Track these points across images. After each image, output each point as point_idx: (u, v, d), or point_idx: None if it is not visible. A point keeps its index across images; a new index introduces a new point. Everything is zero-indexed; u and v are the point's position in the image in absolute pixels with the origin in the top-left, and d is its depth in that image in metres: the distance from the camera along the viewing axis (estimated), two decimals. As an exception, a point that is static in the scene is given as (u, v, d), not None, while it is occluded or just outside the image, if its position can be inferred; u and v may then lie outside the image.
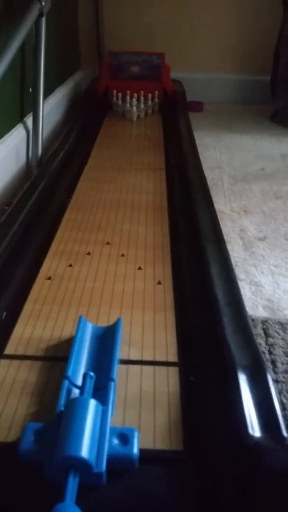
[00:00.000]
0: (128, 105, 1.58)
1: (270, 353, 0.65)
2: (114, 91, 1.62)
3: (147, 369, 0.54)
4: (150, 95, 1.62)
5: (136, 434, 0.44)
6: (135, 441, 0.43)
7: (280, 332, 0.69)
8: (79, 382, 0.50)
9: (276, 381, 0.60)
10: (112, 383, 0.49)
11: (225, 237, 0.82)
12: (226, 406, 0.46)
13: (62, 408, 0.45)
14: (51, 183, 1.00)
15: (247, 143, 1.57)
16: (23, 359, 0.54)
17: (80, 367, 0.52)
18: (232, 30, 1.95)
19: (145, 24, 1.93)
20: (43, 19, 1.18)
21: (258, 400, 0.46)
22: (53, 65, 1.48)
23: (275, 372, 0.61)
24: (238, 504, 0.40)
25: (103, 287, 0.69)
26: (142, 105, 1.59)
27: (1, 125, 1.09)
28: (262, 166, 1.37)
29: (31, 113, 1.23)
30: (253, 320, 0.71)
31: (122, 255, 0.77)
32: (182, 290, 0.69)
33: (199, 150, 1.25)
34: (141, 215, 0.92)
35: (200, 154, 1.21)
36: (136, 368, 0.54)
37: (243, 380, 0.48)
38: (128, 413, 0.48)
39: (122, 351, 0.56)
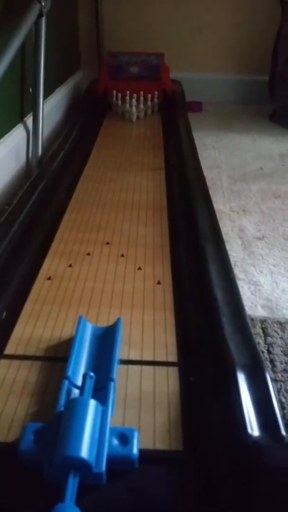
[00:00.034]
0: (127, 105, 1.58)
1: (269, 352, 0.65)
2: (114, 92, 1.62)
3: (147, 369, 0.54)
4: (149, 95, 1.63)
5: (136, 434, 0.44)
6: (135, 441, 0.44)
7: (279, 331, 0.69)
8: (79, 382, 0.50)
9: (275, 380, 0.60)
10: (112, 383, 0.49)
11: (224, 237, 0.82)
12: (225, 405, 0.47)
13: (62, 408, 0.45)
14: (51, 183, 1.00)
15: (246, 143, 1.58)
16: (23, 359, 0.55)
17: (80, 367, 0.52)
18: (230, 30, 1.95)
19: (144, 24, 1.93)
20: (43, 19, 1.18)
21: (257, 399, 0.46)
22: (53, 65, 1.48)
23: (274, 372, 0.62)
24: (237, 504, 0.40)
25: (103, 287, 0.69)
26: (141, 106, 1.59)
27: (1, 125, 1.09)
28: (261, 166, 1.38)
29: (31, 113, 1.23)
30: (252, 319, 0.72)
31: (122, 255, 0.77)
32: (181, 290, 0.69)
33: (198, 150, 1.25)
34: (141, 215, 0.92)
35: (199, 154, 1.22)
36: (136, 368, 0.54)
37: (242, 380, 0.48)
38: (128, 413, 0.48)
39: (122, 351, 0.56)
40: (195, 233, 0.80)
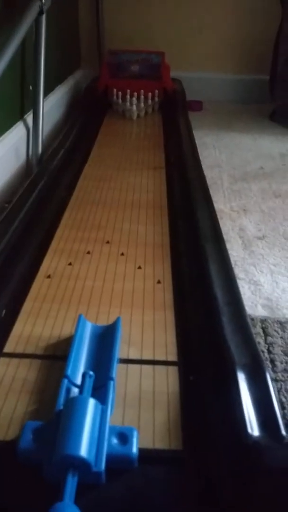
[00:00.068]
0: (128, 104, 1.58)
1: (269, 352, 0.65)
2: (114, 90, 1.62)
3: (147, 368, 0.54)
4: (150, 94, 1.62)
5: (135, 434, 0.44)
6: (134, 440, 0.43)
7: (279, 331, 0.69)
8: (78, 381, 0.50)
9: (275, 380, 0.60)
10: (112, 382, 0.49)
11: (225, 236, 0.82)
12: (225, 405, 0.46)
13: (61, 407, 0.45)
14: (51, 181, 1.00)
15: (246, 142, 1.57)
16: (22, 357, 0.54)
17: (79, 366, 0.52)
18: (231, 29, 1.95)
19: (145, 22, 1.93)
20: (43, 17, 1.18)
21: (257, 399, 0.46)
22: (53, 63, 1.47)
23: (274, 371, 0.61)
24: (237, 504, 0.40)
25: (103, 286, 0.69)
26: (142, 104, 1.59)
27: (1, 123, 1.08)
28: (261, 165, 1.37)
29: (31, 111, 1.23)
30: (252, 319, 0.71)
31: (122, 254, 0.77)
32: (181, 289, 0.69)
33: (198, 149, 1.25)
34: (141, 214, 0.92)
35: (199, 153, 1.21)
36: (135, 367, 0.54)
37: (242, 379, 0.48)
38: (128, 412, 0.48)
39: (121, 350, 0.56)
40: (195, 232, 0.80)
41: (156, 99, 1.64)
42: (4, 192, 1.05)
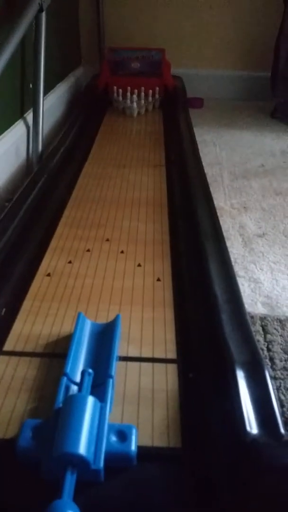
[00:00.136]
0: (128, 101, 1.57)
1: (269, 350, 0.65)
2: (115, 87, 1.61)
3: (146, 366, 0.54)
4: (150, 91, 1.62)
5: (134, 431, 0.44)
6: (133, 438, 0.44)
7: (279, 329, 0.69)
8: (77, 379, 0.50)
9: (274, 378, 0.60)
10: (111, 380, 0.49)
11: (225, 234, 0.82)
12: (224, 403, 0.46)
13: (60, 405, 0.45)
14: (51, 179, 0.99)
15: (247, 139, 1.57)
16: (21, 356, 0.55)
17: (78, 363, 0.52)
18: (232, 26, 1.94)
19: (146, 20, 1.92)
20: (43, 15, 1.18)
21: (256, 397, 0.46)
22: (53, 61, 1.47)
23: (273, 369, 0.61)
24: (236, 502, 0.40)
25: (103, 284, 0.69)
26: (142, 101, 1.59)
27: (1, 121, 1.08)
28: (262, 163, 1.37)
29: (31, 109, 1.23)
30: (252, 317, 0.71)
31: (122, 252, 0.77)
32: (181, 287, 0.69)
33: (199, 146, 1.25)
34: (141, 212, 0.92)
35: (200, 151, 1.21)
36: (134, 365, 0.54)
37: (241, 377, 0.48)
38: (127, 410, 0.48)
39: (121, 347, 0.56)
40: (195, 230, 0.80)
41: (157, 96, 1.64)
42: (5, 190, 1.05)
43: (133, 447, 0.43)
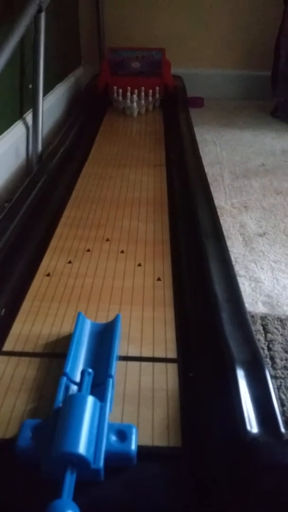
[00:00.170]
0: (128, 101, 1.57)
1: (269, 349, 0.65)
2: (115, 87, 1.61)
3: (146, 365, 0.54)
4: (150, 91, 1.62)
5: (134, 431, 0.44)
6: (133, 437, 0.43)
7: (279, 328, 0.69)
8: (77, 378, 0.50)
9: (275, 377, 0.60)
10: (111, 380, 0.49)
11: (225, 233, 0.81)
12: (224, 402, 0.46)
13: (60, 405, 0.45)
14: (51, 179, 0.99)
15: (247, 138, 1.57)
16: (21, 356, 0.54)
17: (78, 363, 0.52)
18: (232, 25, 1.94)
19: (146, 19, 1.92)
20: (43, 15, 1.17)
21: (256, 396, 0.46)
22: (53, 62, 1.47)
23: (274, 368, 0.61)
24: (236, 500, 0.40)
25: (103, 284, 0.68)
26: (142, 101, 1.59)
27: (0, 121, 1.08)
28: (263, 162, 1.37)
29: (31, 110, 1.23)
30: (252, 316, 0.71)
31: (122, 252, 0.77)
32: (181, 286, 0.69)
33: (199, 146, 1.25)
34: (141, 212, 0.91)
35: (200, 150, 1.21)
36: (135, 364, 0.54)
37: (241, 376, 0.48)
38: (127, 409, 0.48)
39: (121, 347, 0.56)
40: (196, 229, 0.79)
41: (157, 96, 1.64)
42: (4, 190, 1.05)
43: (133, 446, 0.43)
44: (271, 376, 0.49)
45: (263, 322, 0.70)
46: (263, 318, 0.71)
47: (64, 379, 0.49)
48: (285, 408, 0.56)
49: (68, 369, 0.50)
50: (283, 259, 0.89)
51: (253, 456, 0.41)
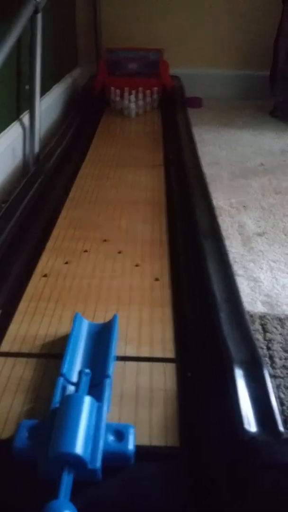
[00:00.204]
0: (126, 101, 1.57)
1: (268, 348, 0.65)
2: (112, 88, 1.61)
3: (144, 365, 0.54)
4: (148, 91, 1.62)
5: (131, 431, 0.44)
6: (131, 437, 0.43)
7: (278, 327, 0.69)
8: (74, 379, 0.49)
9: (274, 377, 0.59)
10: (108, 380, 0.48)
11: (224, 233, 0.81)
12: (223, 401, 0.46)
13: (57, 405, 0.45)
14: (48, 180, 0.99)
15: (246, 138, 1.57)
16: (18, 356, 0.54)
17: (75, 364, 0.52)
18: (231, 25, 1.94)
19: (143, 20, 1.92)
20: (39, 16, 1.17)
21: (254, 395, 0.46)
22: (50, 63, 1.47)
23: (273, 368, 0.61)
24: (234, 499, 0.40)
25: (100, 284, 0.68)
26: (140, 102, 1.59)
27: (-3, 122, 1.08)
28: (262, 162, 1.37)
29: (28, 111, 1.23)
30: (251, 315, 0.71)
31: (120, 252, 0.77)
32: (179, 286, 0.68)
33: (198, 146, 1.25)
34: (139, 212, 0.91)
35: (199, 150, 1.21)
36: (132, 364, 0.54)
37: (240, 376, 0.48)
38: (124, 409, 0.48)
39: (118, 347, 0.55)
40: (194, 229, 0.79)
41: (155, 96, 1.64)
42: (1, 191, 1.05)
43: (131, 446, 0.42)
44: (270, 375, 0.49)
45: (262, 322, 0.70)
46: (262, 317, 0.71)
47: (61, 380, 0.48)
48: (284, 407, 0.55)
49: (65, 370, 0.49)
50: (282, 259, 0.89)
51: (252, 455, 0.40)
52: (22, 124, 1.21)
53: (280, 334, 0.68)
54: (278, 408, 0.45)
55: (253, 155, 1.43)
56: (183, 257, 0.75)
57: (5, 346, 0.56)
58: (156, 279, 0.70)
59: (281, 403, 0.56)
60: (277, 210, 1.08)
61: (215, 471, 0.42)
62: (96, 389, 0.48)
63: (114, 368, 0.52)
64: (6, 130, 1.12)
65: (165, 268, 0.73)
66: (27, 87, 1.22)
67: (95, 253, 0.76)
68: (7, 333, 0.58)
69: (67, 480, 0.39)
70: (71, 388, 0.49)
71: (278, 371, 0.61)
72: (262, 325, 0.70)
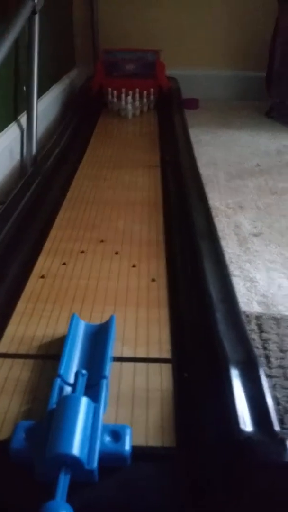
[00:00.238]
0: (123, 103, 1.57)
1: (264, 348, 0.65)
2: (109, 89, 1.61)
3: (140, 366, 0.54)
4: (145, 92, 1.62)
5: (128, 431, 0.44)
6: (127, 438, 0.43)
7: (274, 327, 0.69)
8: (71, 380, 0.49)
9: (270, 376, 0.60)
10: (105, 381, 0.49)
11: (220, 233, 0.82)
12: (219, 401, 0.46)
13: (54, 406, 0.45)
14: (45, 181, 0.99)
15: (242, 139, 1.57)
16: (15, 357, 0.54)
17: (72, 365, 0.52)
18: (227, 26, 1.94)
19: (140, 21, 1.92)
20: (36, 17, 1.18)
21: (250, 395, 0.46)
22: (47, 64, 1.47)
23: (269, 367, 0.61)
24: (231, 500, 0.40)
25: (97, 285, 0.68)
26: (137, 103, 1.59)
27: (-5, 124, 1.08)
28: (258, 162, 1.37)
29: (25, 112, 1.23)
30: (247, 315, 0.71)
31: (116, 253, 0.77)
32: (176, 287, 0.69)
33: (195, 146, 1.25)
34: (136, 213, 0.91)
35: (196, 151, 1.21)
36: (129, 365, 0.54)
37: (235, 376, 0.48)
38: (121, 410, 0.48)
39: (115, 348, 0.56)
40: (190, 230, 0.79)
41: (152, 97, 1.64)
42: (-1, 192, 1.05)
43: (127, 447, 0.43)
44: (267, 375, 0.49)
45: (258, 322, 0.70)
46: (258, 317, 0.71)
47: (58, 381, 0.49)
48: (280, 407, 0.56)
49: (62, 371, 0.50)
50: (278, 259, 0.89)
51: (247, 455, 0.41)
52: (19, 125, 1.21)
53: (276, 334, 0.68)
54: (274, 408, 0.45)
55: (249, 155, 1.43)
56: (180, 258, 0.76)
57: (3, 347, 0.56)
58: (153, 280, 0.70)
59: (277, 402, 0.56)
60: (273, 211, 1.09)
61: (211, 471, 0.42)
62: (93, 390, 0.48)
63: (110, 368, 0.52)
64: (3, 131, 1.13)
65: (161, 269, 0.73)
66: (24, 88, 1.22)
67: (92, 253, 0.76)
68: (4, 334, 0.58)
69: (64, 481, 0.39)
70: (68, 389, 0.49)
71: (274, 370, 0.61)
72: (258, 325, 0.70)
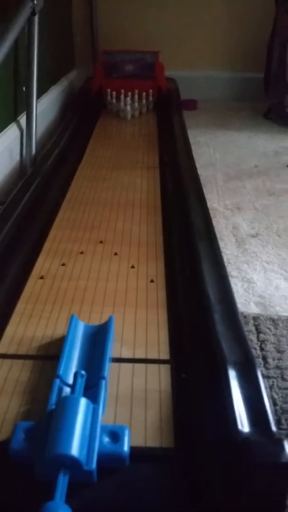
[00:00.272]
0: (122, 104, 1.58)
1: (262, 349, 0.65)
2: (108, 90, 1.62)
3: (139, 367, 0.54)
4: (144, 93, 1.62)
5: (127, 432, 0.44)
6: (126, 438, 0.44)
7: (272, 328, 0.69)
8: (70, 380, 0.50)
9: (267, 377, 0.60)
10: (103, 381, 0.49)
11: (218, 235, 0.82)
12: (216, 402, 0.47)
13: (53, 407, 0.45)
14: (44, 181, 1.00)
15: (240, 140, 1.58)
16: (14, 358, 0.55)
17: (71, 365, 0.52)
18: (225, 28, 1.95)
19: (139, 22, 1.93)
20: (36, 18, 1.18)
21: (248, 396, 0.46)
22: (46, 65, 1.47)
23: (266, 368, 0.62)
24: (229, 500, 0.40)
25: (96, 286, 0.69)
26: (136, 104, 1.59)
27: (-6, 124, 1.09)
28: (256, 163, 1.38)
29: (25, 112, 1.23)
30: (245, 316, 0.72)
31: (115, 254, 0.77)
32: (174, 288, 0.69)
33: (193, 148, 1.25)
34: (135, 214, 0.92)
35: (194, 152, 1.21)
36: (128, 366, 0.54)
37: (233, 377, 0.48)
38: (120, 411, 0.48)
39: (114, 349, 0.56)
40: (189, 231, 0.80)
41: (150, 98, 1.65)
42: (-2, 193, 1.06)
43: (126, 447, 0.43)
44: (264, 376, 0.49)
45: (256, 322, 0.71)
46: (256, 318, 0.72)
47: (57, 381, 0.49)
48: (277, 407, 0.56)
49: (61, 371, 0.50)
50: (276, 260, 0.90)
51: (245, 455, 0.41)
52: (19, 126, 1.22)
53: (274, 334, 0.68)
54: (271, 409, 0.46)
55: (247, 156, 1.44)
56: (178, 259, 0.76)
57: (2, 348, 0.56)
58: (151, 281, 0.70)
59: (274, 403, 0.56)
60: (271, 212, 1.09)
61: (209, 471, 0.42)
62: (92, 391, 0.48)
63: (109, 369, 0.52)
64: (3, 132, 1.13)
65: (160, 270, 0.73)
66: (24, 89, 1.23)
67: (91, 254, 0.77)
68: (4, 335, 0.58)
69: (62, 482, 0.39)
70: (67, 390, 0.49)
71: (271, 371, 0.62)
72: (255, 326, 0.70)
